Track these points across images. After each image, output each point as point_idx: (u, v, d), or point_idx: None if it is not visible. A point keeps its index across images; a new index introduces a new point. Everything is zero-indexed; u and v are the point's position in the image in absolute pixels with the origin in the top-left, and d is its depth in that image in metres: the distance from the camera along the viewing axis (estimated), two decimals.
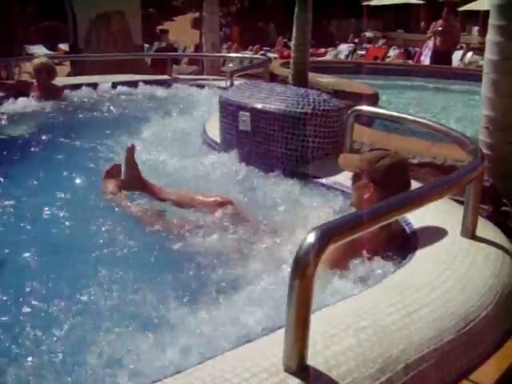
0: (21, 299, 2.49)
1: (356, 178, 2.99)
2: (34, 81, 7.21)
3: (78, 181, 4.06)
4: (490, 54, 3.66)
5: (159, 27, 28.68)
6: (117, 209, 3.55)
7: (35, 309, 2.43)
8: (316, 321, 1.69)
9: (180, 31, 28.05)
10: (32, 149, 5.14)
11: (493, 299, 2.19)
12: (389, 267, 2.52)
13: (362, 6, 32.04)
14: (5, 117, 6.20)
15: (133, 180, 3.82)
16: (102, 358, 2.05)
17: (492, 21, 3.64)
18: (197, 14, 24.61)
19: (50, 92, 7.04)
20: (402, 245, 2.75)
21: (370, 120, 5.76)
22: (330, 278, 2.47)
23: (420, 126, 3.87)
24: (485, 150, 3.65)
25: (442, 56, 12.74)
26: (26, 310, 2.42)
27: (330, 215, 3.18)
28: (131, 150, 3.89)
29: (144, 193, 3.77)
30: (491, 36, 3.65)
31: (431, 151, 4.25)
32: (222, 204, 3.42)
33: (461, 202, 2.75)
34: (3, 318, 2.36)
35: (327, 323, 1.85)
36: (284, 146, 4.14)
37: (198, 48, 16.10)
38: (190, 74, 11.71)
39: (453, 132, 3.33)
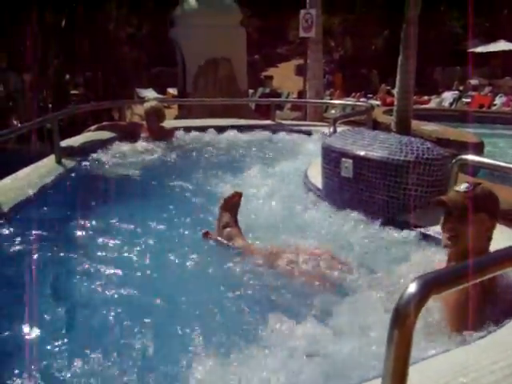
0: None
1: (464, 220, 2.76)
2: (144, 123, 7.54)
3: (182, 222, 4.17)
4: None
5: (264, 73, 29.39)
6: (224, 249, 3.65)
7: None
8: (414, 373, 1.66)
9: (284, 77, 28.57)
10: (139, 188, 5.37)
11: None
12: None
13: (467, 52, 31.52)
14: (116, 156, 6.51)
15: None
16: None
17: None
18: (300, 61, 24.96)
19: (159, 134, 7.34)
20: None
21: (474, 169, 5.63)
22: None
23: None
24: None
25: None
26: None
27: (430, 265, 3.10)
28: (240, 197, 3.97)
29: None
30: None
31: None
32: (320, 255, 3.40)
33: None
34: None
35: (426, 377, 1.82)
36: (386, 194, 4.12)
37: (301, 94, 16.32)
38: (293, 119, 11.87)
39: None
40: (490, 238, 2.81)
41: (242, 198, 4.02)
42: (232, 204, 3.92)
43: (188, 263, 3.42)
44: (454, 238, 2.81)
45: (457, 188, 2.89)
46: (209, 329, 2.66)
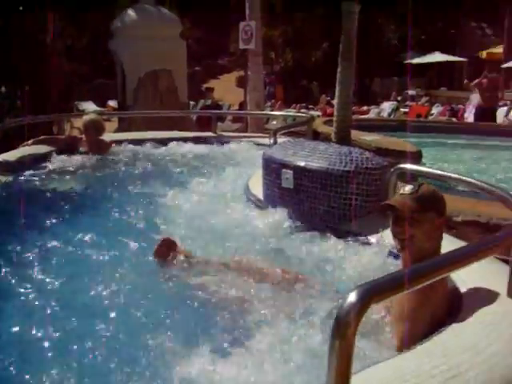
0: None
1: (413, 221, 2.77)
2: (83, 136, 7.42)
3: (123, 237, 4.08)
4: None
5: (205, 85, 29.39)
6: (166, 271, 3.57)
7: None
8: (357, 382, 1.66)
9: (225, 89, 28.65)
10: (78, 203, 5.24)
11: None
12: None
13: (404, 64, 32.30)
14: (54, 171, 6.36)
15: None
16: None
17: None
18: (241, 73, 25.10)
19: (98, 147, 7.22)
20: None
21: (413, 178, 5.73)
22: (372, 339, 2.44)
23: (463, 183, 3.84)
24: None
25: (486, 113, 12.72)
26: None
27: (372, 273, 3.13)
28: (175, 246, 3.72)
29: None
30: None
31: (475, 209, 4.19)
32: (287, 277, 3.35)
33: (507, 262, 2.70)
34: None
35: None
36: (326, 204, 4.15)
37: (242, 106, 16.39)
38: (234, 131, 11.88)
39: (497, 190, 3.30)
40: (441, 237, 2.85)
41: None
42: (164, 252, 3.70)
43: (125, 279, 3.34)
44: (406, 241, 2.82)
45: (401, 191, 2.90)
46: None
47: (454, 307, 2.61)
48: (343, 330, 1.54)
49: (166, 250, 3.67)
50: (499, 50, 29.68)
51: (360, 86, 22.17)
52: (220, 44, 35.13)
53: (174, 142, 7.89)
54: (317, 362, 2.23)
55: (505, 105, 17.92)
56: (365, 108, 22.14)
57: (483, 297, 2.63)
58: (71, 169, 6.54)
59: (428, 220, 2.79)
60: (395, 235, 2.88)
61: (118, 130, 11.96)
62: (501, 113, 16.10)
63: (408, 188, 2.86)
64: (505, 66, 26.30)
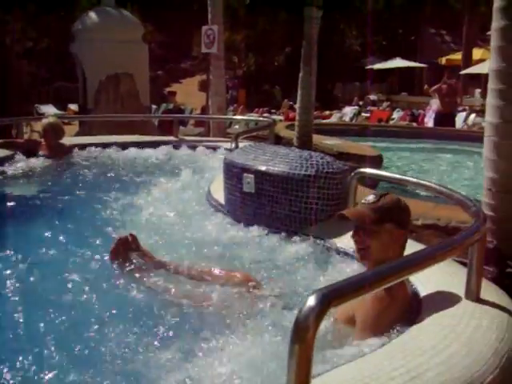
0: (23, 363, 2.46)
1: (372, 232, 2.78)
2: (43, 140, 7.31)
3: (83, 240, 4.04)
4: (490, 117, 3.72)
5: (167, 89, 29.27)
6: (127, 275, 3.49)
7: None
8: None
9: (187, 93, 28.58)
10: (37, 208, 5.17)
11: (498, 363, 2.15)
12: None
13: (366, 69, 32.68)
14: (12, 175, 6.26)
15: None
16: None
17: (491, 85, 3.71)
18: (204, 77, 25.06)
19: (58, 151, 7.13)
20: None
21: (374, 182, 5.79)
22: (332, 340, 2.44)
23: (422, 187, 3.89)
24: (488, 212, 3.66)
25: (445, 118, 12.93)
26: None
27: (333, 277, 3.13)
28: (133, 241, 3.60)
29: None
30: (491, 99, 3.71)
31: (435, 213, 4.26)
32: (248, 283, 3.27)
33: (465, 264, 2.74)
34: None
35: None
36: (288, 208, 4.15)
37: (204, 110, 16.35)
38: (197, 135, 11.85)
39: (455, 194, 3.35)
40: (402, 248, 2.82)
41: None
42: (120, 253, 3.57)
43: (78, 279, 3.29)
44: (364, 251, 2.83)
45: (363, 200, 2.88)
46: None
47: (414, 310, 2.63)
48: (302, 333, 1.54)
49: (123, 249, 3.55)
50: (458, 56, 30.25)
51: (322, 90, 22.29)
52: (183, 48, 35.04)
53: (135, 147, 7.82)
54: (274, 365, 2.22)
55: (464, 110, 18.25)
56: (327, 112, 22.31)
57: (442, 299, 2.67)
58: (30, 173, 6.45)
59: (386, 231, 2.77)
60: (355, 244, 2.88)
61: (78, 134, 11.82)
62: (460, 118, 16.39)
63: (370, 197, 2.84)
64: (463, 72, 26.79)
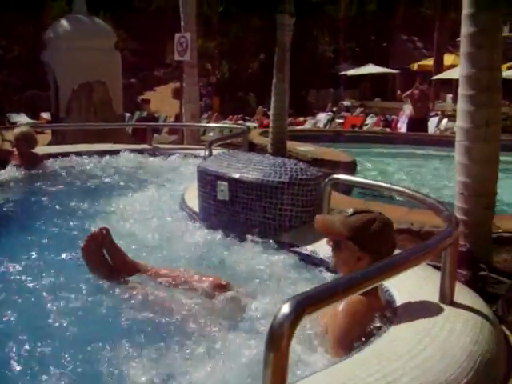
0: None
1: (338, 244, 2.79)
2: (15, 149, 7.22)
3: (56, 251, 3.97)
4: (461, 122, 3.77)
5: (140, 97, 29.12)
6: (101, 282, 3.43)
7: None
8: None
9: (161, 101, 28.46)
10: (9, 218, 5.10)
11: (473, 366, 2.17)
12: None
13: (339, 75, 32.87)
14: None
15: (122, 267, 3.45)
16: None
17: (461, 90, 3.76)
18: (177, 84, 24.99)
19: (30, 161, 7.04)
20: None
21: (349, 188, 5.82)
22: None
23: (396, 193, 3.92)
24: (461, 216, 3.71)
25: (418, 123, 13.07)
26: None
27: (307, 285, 3.13)
28: (106, 235, 3.48)
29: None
30: (461, 105, 3.76)
31: (408, 218, 4.29)
32: (219, 286, 3.23)
33: (439, 268, 2.76)
34: None
35: None
36: (262, 215, 4.15)
37: (178, 118, 16.29)
38: (171, 143, 11.80)
39: (428, 199, 3.37)
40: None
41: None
42: (93, 248, 3.44)
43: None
44: (333, 259, 2.85)
45: (343, 211, 2.85)
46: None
47: (389, 314, 2.64)
48: (277, 341, 1.53)
49: (96, 246, 3.41)
50: (430, 62, 30.56)
51: (296, 97, 22.38)
52: (156, 55, 34.91)
53: (109, 155, 7.76)
54: (247, 372, 2.22)
55: (436, 115, 18.43)
56: (301, 119, 22.35)
57: (416, 303, 2.68)
58: (1, 183, 6.35)
59: (348, 248, 2.74)
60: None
61: (51, 143, 11.71)
62: (432, 123, 16.56)
63: (349, 210, 2.81)
64: (435, 77, 27.09)
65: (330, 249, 2.88)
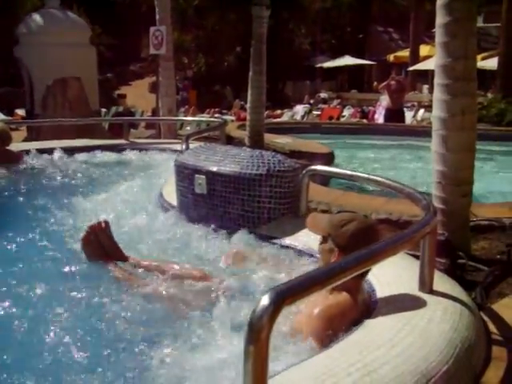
0: None
1: (323, 241, 2.84)
2: None
3: (30, 246, 3.97)
4: (437, 111, 3.78)
5: (117, 92, 28.93)
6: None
7: None
8: None
9: (137, 95, 28.30)
10: None
11: (453, 353, 2.19)
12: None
13: (315, 67, 32.94)
14: None
15: (116, 260, 3.58)
16: None
17: (437, 80, 3.77)
18: (154, 78, 24.84)
19: (5, 158, 6.95)
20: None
21: (327, 179, 5.83)
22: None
23: (374, 183, 3.93)
24: (439, 205, 3.73)
25: (395, 114, 13.13)
26: None
27: (287, 275, 3.12)
28: (106, 227, 3.61)
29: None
30: (437, 94, 3.78)
31: (387, 207, 4.31)
32: (201, 278, 3.29)
33: (418, 257, 2.77)
34: None
35: None
36: (240, 208, 4.13)
37: (154, 112, 16.19)
38: (148, 138, 11.73)
39: (406, 188, 3.38)
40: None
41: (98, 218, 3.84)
42: (92, 239, 3.57)
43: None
44: (318, 257, 2.90)
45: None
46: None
47: (369, 304, 2.65)
48: (257, 334, 1.52)
49: (95, 238, 3.53)
50: (406, 53, 30.75)
51: (273, 89, 22.38)
52: (131, 50, 34.64)
53: (85, 151, 7.69)
54: (231, 361, 2.21)
55: (413, 106, 18.54)
56: (278, 112, 22.34)
57: (396, 292, 2.69)
58: None
59: (327, 247, 2.78)
60: None
61: (26, 140, 11.57)
62: (409, 114, 16.66)
63: (339, 213, 2.90)
64: (411, 68, 27.26)
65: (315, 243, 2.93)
